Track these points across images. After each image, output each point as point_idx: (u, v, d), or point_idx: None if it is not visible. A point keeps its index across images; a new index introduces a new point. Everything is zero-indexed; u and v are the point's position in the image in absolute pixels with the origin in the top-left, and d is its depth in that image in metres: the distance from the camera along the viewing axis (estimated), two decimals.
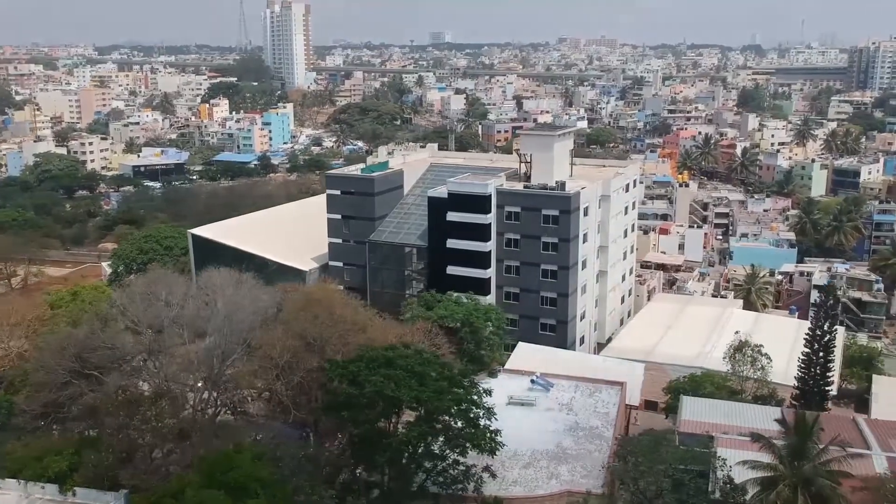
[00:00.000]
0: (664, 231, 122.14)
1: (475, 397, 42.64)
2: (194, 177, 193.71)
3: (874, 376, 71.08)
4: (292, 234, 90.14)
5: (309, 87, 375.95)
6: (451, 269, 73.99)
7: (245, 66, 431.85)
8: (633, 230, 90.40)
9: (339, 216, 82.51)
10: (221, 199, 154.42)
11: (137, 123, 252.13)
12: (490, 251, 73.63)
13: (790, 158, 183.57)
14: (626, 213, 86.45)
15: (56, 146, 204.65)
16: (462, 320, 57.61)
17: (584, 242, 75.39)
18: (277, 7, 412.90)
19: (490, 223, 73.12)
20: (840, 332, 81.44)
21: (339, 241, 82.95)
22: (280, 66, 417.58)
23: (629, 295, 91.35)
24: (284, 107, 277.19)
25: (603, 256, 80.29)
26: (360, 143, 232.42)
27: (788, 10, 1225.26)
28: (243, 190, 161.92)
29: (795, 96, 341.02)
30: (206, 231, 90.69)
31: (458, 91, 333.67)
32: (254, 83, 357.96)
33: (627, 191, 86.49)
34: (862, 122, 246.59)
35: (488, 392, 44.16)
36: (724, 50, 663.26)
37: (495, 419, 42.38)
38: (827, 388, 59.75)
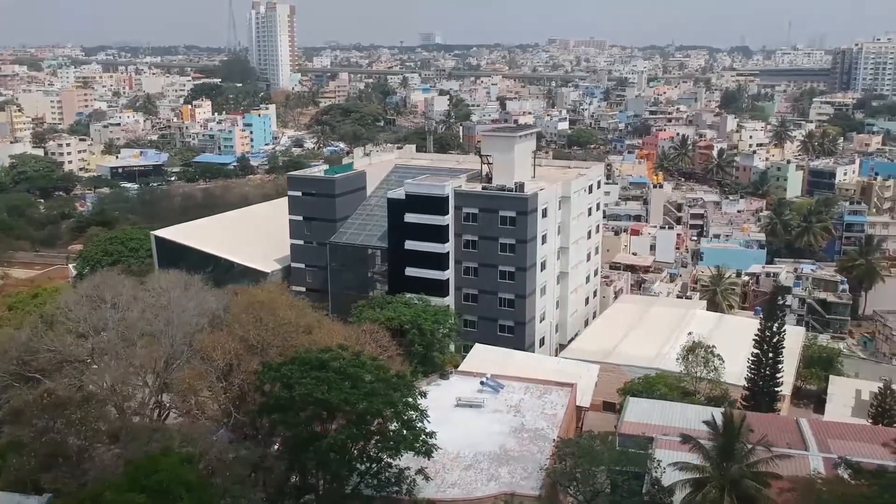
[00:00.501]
0: (636, 232, 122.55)
1: (410, 399, 42.59)
2: (172, 178, 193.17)
3: (831, 377, 71.52)
4: (259, 235, 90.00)
5: (293, 88, 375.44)
6: (410, 271, 74.01)
7: (231, 68, 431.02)
8: (597, 231, 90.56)
9: (300, 217, 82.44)
10: (196, 201, 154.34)
11: (118, 124, 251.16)
12: (448, 252, 73.65)
13: (767, 160, 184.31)
14: (589, 214, 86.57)
15: (33, 147, 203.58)
16: (409, 322, 57.49)
17: (542, 244, 75.48)
18: (262, 8, 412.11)
19: (448, 224, 73.14)
20: (800, 332, 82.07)
21: (301, 242, 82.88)
22: (265, 67, 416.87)
23: (594, 296, 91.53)
24: (267, 108, 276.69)
25: (564, 258, 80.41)
26: (342, 145, 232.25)
27: (779, 12, 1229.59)
28: (219, 191, 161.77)
29: (778, 97, 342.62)
30: (170, 233, 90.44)
31: (441, 92, 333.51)
32: (238, 84, 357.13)
33: (591, 192, 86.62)
34: (842, 123, 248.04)
35: (423, 394, 44.13)
36: (712, 52, 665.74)
37: (428, 421, 42.30)
38: (776, 389, 59.95)
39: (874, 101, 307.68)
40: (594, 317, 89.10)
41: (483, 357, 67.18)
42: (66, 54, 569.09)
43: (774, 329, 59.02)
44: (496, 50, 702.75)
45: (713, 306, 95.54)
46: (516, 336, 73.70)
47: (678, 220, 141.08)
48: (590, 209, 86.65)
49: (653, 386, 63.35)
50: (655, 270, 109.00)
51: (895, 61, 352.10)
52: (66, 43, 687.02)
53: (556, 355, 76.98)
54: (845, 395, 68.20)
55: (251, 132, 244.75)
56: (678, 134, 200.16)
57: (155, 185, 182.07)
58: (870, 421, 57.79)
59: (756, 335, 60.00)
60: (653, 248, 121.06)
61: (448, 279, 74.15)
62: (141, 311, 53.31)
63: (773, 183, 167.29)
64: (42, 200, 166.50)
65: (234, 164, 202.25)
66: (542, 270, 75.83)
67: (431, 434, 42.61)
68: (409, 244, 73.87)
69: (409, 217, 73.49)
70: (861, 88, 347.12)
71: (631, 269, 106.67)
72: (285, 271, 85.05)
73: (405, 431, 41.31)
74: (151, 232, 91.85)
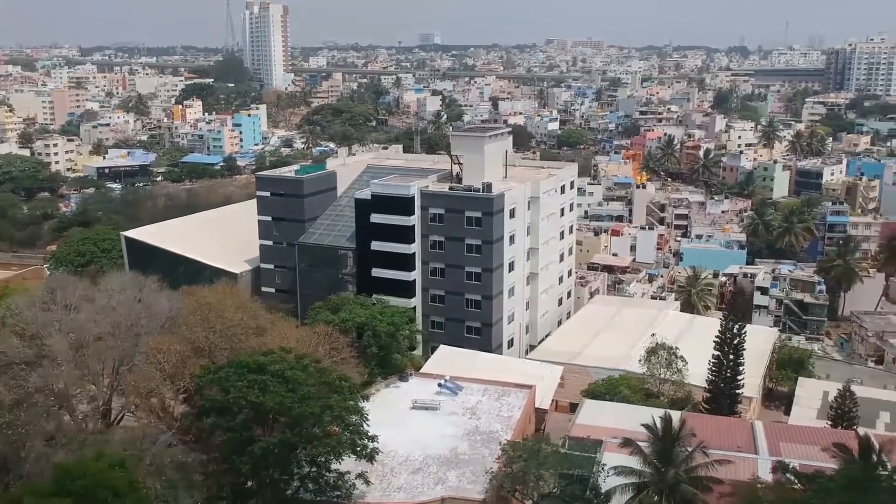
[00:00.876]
0: (616, 232, 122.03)
1: (352, 403, 42.14)
2: (158, 178, 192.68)
3: (800, 379, 71.08)
4: (232, 235, 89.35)
5: (286, 88, 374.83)
6: (377, 272, 73.58)
7: (225, 68, 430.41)
8: (570, 232, 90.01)
9: (269, 218, 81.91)
10: (179, 201, 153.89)
11: (107, 125, 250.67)
12: (414, 253, 73.17)
13: (755, 160, 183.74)
14: (561, 214, 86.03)
15: (20, 148, 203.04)
16: (363, 324, 56.97)
17: (510, 244, 74.97)
18: (256, 9, 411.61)
19: (414, 225, 72.66)
20: (772, 333, 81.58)
21: (270, 243, 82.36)
22: (259, 67, 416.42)
23: (568, 297, 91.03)
24: (257, 108, 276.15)
25: (533, 258, 79.90)
26: (332, 145, 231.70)
27: (779, 12, 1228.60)
28: (203, 192, 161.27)
29: (772, 97, 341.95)
30: (140, 233, 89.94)
31: (434, 92, 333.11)
32: (230, 84, 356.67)
33: (563, 192, 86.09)
34: (832, 123, 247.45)
35: (365, 397, 43.67)
36: (710, 52, 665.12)
37: (368, 425, 41.83)
38: (737, 391, 59.44)
39: (867, 101, 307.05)
40: (568, 317, 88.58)
41: (447, 359, 66.75)
42: (63, 55, 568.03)
43: (735, 330, 58.51)
44: (494, 50, 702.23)
45: (689, 307, 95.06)
46: (483, 337, 73.21)
47: (661, 221, 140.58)
48: (562, 210, 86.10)
49: (615, 388, 62.91)
50: (633, 271, 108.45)
51: (888, 61, 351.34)
52: (65, 44, 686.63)
53: (525, 356, 76.55)
54: (813, 397, 67.75)
55: (240, 132, 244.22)
56: (665, 134, 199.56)
57: (141, 185, 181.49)
58: (829, 423, 57.23)
59: (717, 337, 59.49)
60: (633, 248, 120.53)
61: (415, 280, 73.69)
62: (94, 313, 52.79)
63: (760, 183, 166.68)
64: (27, 201, 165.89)
65: (221, 164, 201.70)
66: (509, 271, 75.32)
67: (373, 438, 42.18)
68: (376, 245, 73.42)
69: (375, 217, 73.04)
70: (854, 88, 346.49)
71: (609, 269, 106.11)
72: (255, 272, 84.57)
73: (346, 435, 40.85)
74: (122, 233, 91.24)
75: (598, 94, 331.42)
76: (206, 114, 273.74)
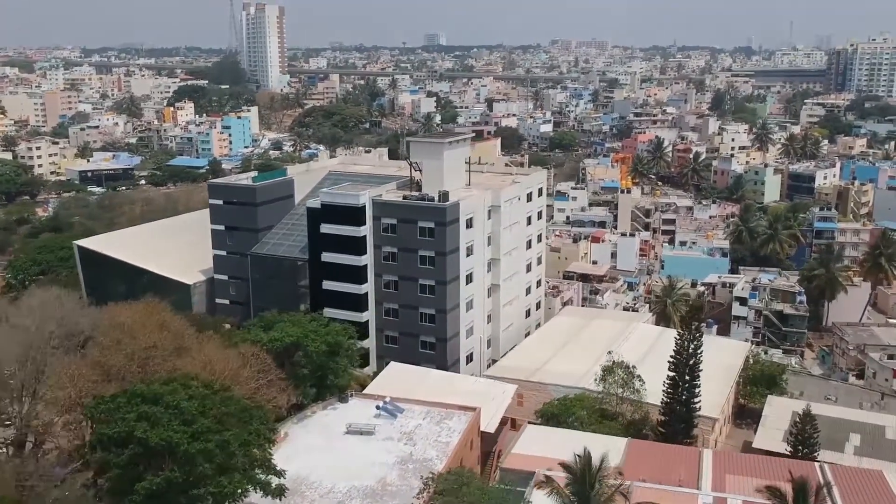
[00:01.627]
0: (596, 239, 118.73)
1: (261, 434, 39.23)
2: (141, 182, 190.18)
3: (769, 397, 67.77)
4: (192, 244, 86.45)
5: (282, 89, 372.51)
6: (328, 284, 70.72)
7: (222, 69, 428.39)
8: (539, 241, 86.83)
9: (222, 227, 79.11)
10: (157, 206, 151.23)
11: (96, 127, 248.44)
12: (366, 265, 70.17)
13: (747, 163, 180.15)
14: (528, 223, 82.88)
15: (2, 151, 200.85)
16: (295, 343, 53.95)
17: (468, 255, 71.88)
18: (252, 9, 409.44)
19: (364, 236, 69.66)
20: (743, 347, 78.12)
21: (224, 253, 79.54)
22: (255, 68, 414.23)
23: (537, 308, 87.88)
24: (248, 110, 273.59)
25: (495, 269, 76.80)
26: (321, 147, 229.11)
27: (787, 12, 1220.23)
28: (182, 196, 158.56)
29: (772, 99, 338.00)
30: (94, 242, 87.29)
31: (430, 94, 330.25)
32: (225, 86, 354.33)
33: (529, 200, 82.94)
34: (830, 125, 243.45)
35: (273, 430, 40.71)
36: (714, 52, 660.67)
37: (275, 461, 38.88)
38: (693, 415, 56.19)
39: (867, 102, 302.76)
40: (537, 329, 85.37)
41: (395, 377, 63.64)
42: (63, 56, 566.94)
43: (691, 350, 55.25)
44: (497, 51, 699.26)
45: (664, 319, 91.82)
46: (438, 353, 70.16)
47: (647, 227, 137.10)
48: (528, 218, 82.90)
49: (570, 408, 59.74)
50: (611, 280, 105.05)
51: (890, 62, 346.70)
52: (69, 45, 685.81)
53: (487, 371, 73.40)
54: (781, 417, 64.31)
55: (230, 135, 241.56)
56: (656, 137, 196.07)
57: (123, 188, 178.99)
58: (789, 449, 53.94)
59: (672, 356, 56.24)
60: (614, 255, 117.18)
61: (366, 293, 70.71)
62: (6, 333, 49.91)
63: (750, 187, 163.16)
64: (5, 205, 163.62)
65: (206, 167, 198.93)
66: (467, 283, 72.19)
67: (281, 472, 39.27)
68: (326, 256, 70.50)
69: (326, 228, 70.07)
70: (856, 89, 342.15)
71: (584, 278, 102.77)
72: (209, 283, 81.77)
73: (249, 472, 37.90)
74: (74, 241, 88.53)
75: (594, 95, 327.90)
76: (198, 116, 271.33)
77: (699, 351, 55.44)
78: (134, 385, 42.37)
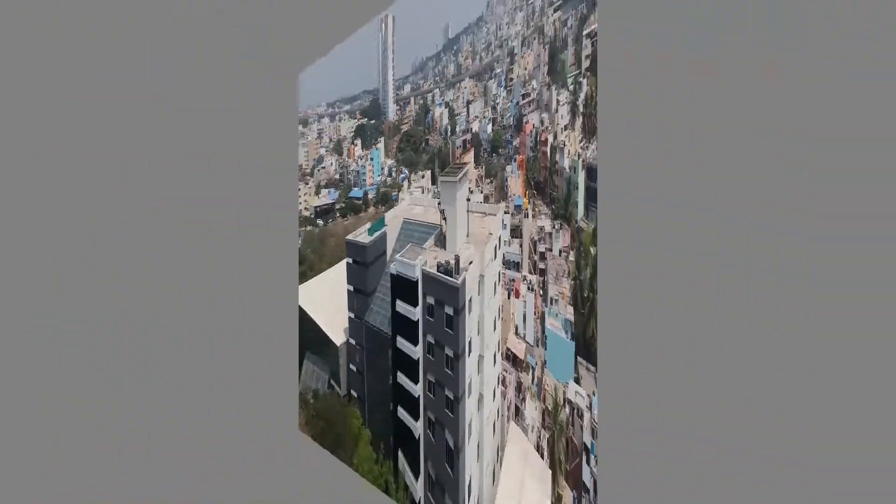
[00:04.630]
0: (518, 293, 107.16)
1: None
2: (336, 215, 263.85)
3: None
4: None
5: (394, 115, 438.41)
6: (400, 378, 27.93)
7: (372, 103, 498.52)
8: (499, 317, 30.94)
9: (351, 288, 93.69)
10: (339, 240, 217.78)
11: (324, 167, 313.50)
12: (419, 360, 27.86)
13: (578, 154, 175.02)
14: (494, 292, 29.85)
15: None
16: None
17: (468, 355, 31.75)
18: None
19: (418, 320, 30.32)
20: None
21: (353, 315, 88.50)
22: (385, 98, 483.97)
23: (499, 419, 31.60)
24: (379, 140, 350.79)
25: (480, 373, 30.83)
26: (405, 171, 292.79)
27: None
28: (324, 233, 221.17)
29: None
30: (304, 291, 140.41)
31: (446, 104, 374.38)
32: (374, 120, 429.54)
33: (496, 257, 35.44)
34: None
35: None
36: None
37: None
38: None
39: None
40: (500, 461, 36.33)
41: None
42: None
43: None
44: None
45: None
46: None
47: (535, 269, 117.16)
48: (494, 284, 25.68)
49: None
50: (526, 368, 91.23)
51: None
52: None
53: None
54: None
55: (373, 165, 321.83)
56: (533, 126, 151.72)
57: (329, 222, 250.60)
58: None
59: None
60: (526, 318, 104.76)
61: (419, 397, 28.31)
62: None
63: (574, 195, 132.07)
64: None
65: (360, 198, 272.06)
66: (468, 396, 27.66)
67: None
68: (399, 342, 33.26)
69: (398, 307, 31.94)
70: None
71: (514, 363, 73.47)
72: (347, 346, 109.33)
73: None
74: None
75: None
76: (364, 150, 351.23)
77: None
78: None
